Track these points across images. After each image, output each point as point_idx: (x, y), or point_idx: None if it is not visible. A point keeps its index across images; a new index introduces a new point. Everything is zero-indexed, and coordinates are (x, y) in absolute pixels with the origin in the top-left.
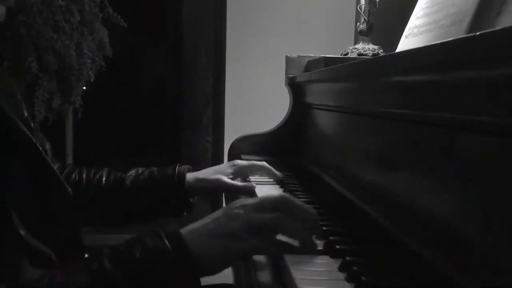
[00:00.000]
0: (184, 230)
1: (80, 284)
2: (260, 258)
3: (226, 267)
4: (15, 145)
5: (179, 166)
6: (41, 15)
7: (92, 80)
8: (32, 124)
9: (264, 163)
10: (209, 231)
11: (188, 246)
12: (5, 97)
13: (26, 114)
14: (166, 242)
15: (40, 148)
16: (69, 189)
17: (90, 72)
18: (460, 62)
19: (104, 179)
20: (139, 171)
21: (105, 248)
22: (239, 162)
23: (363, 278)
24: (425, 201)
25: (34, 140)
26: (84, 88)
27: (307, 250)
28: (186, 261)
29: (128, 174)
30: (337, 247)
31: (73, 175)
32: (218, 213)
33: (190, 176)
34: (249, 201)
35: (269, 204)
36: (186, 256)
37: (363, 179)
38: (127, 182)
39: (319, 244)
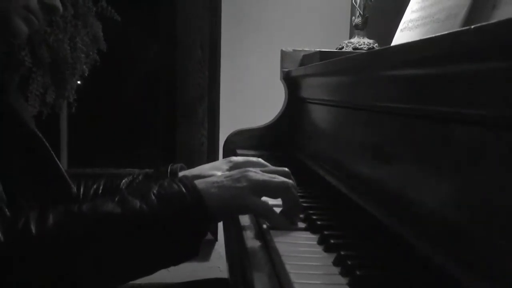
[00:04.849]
0: (196, 181)
1: (106, 208)
2: (256, 251)
3: (228, 217)
4: (26, 144)
5: (171, 165)
6: None
7: (86, 75)
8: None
9: (260, 160)
10: (221, 185)
11: (201, 192)
12: (18, 101)
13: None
14: (181, 186)
15: (49, 148)
16: (74, 188)
17: (84, 67)
18: (455, 55)
19: (101, 187)
20: (134, 176)
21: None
22: (234, 158)
23: (357, 272)
24: (420, 195)
25: (44, 140)
26: (78, 82)
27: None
28: (199, 203)
29: (124, 180)
30: (332, 241)
31: None
32: (232, 172)
33: (185, 174)
34: (261, 168)
35: (279, 172)
36: (199, 199)
37: (359, 173)
38: (123, 187)
39: (315, 238)
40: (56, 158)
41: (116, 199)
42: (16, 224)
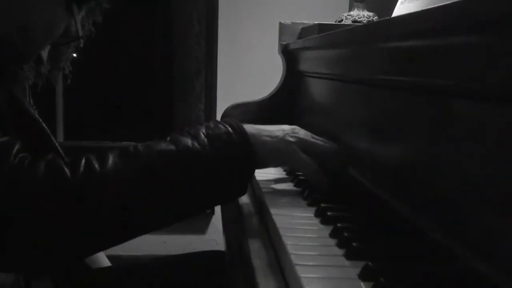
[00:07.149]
0: (247, 125)
1: (160, 146)
2: (253, 223)
3: (275, 166)
4: (26, 127)
5: None
6: None
7: (81, 46)
8: (36, 112)
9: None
10: (273, 135)
11: (247, 133)
12: (16, 85)
13: (32, 102)
14: (227, 126)
15: (48, 131)
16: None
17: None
18: (457, 26)
19: None
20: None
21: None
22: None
23: (353, 244)
24: (418, 169)
25: (43, 124)
26: (74, 54)
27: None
28: (244, 143)
29: None
30: (329, 214)
31: None
32: (283, 126)
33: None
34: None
35: (324, 140)
36: (245, 140)
37: (357, 148)
38: None
39: (312, 211)
40: (56, 142)
41: (168, 139)
42: (80, 163)
